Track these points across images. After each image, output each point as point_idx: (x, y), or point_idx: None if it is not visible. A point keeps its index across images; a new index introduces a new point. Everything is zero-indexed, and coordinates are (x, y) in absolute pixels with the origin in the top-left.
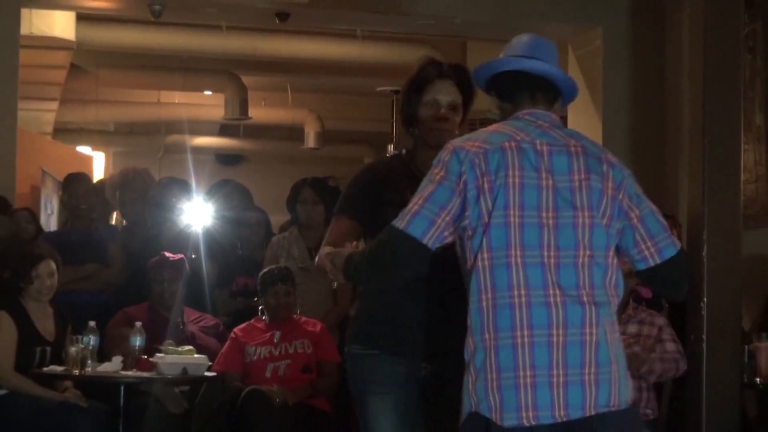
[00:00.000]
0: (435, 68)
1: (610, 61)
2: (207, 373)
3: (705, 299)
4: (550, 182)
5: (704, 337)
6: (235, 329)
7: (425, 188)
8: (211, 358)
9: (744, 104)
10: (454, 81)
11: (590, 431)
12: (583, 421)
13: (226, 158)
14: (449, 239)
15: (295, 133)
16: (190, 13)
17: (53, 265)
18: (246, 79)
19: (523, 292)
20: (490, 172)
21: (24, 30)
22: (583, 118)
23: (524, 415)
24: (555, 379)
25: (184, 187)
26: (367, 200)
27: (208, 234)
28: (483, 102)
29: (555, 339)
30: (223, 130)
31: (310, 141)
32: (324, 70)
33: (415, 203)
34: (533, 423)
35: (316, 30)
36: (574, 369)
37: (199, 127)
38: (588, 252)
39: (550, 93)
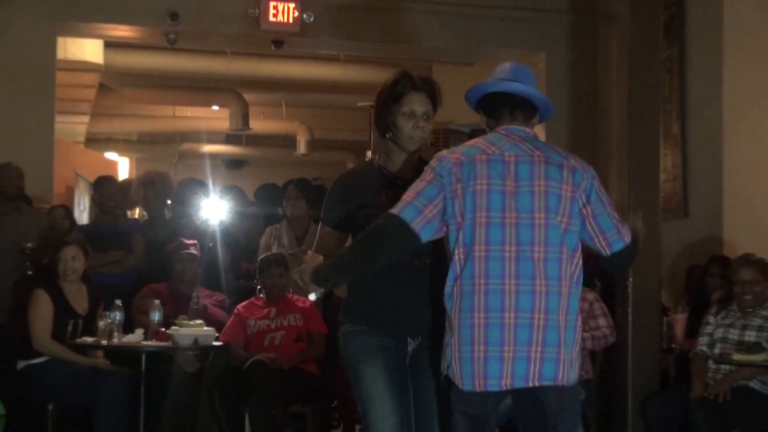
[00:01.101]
0: (409, 81)
1: (552, 80)
2: (214, 343)
3: (630, 279)
4: (514, 188)
5: (630, 310)
6: (238, 306)
7: (417, 185)
8: (219, 327)
9: (663, 116)
10: (426, 93)
11: (533, 399)
12: (526, 390)
13: (232, 163)
14: (440, 233)
15: (288, 141)
16: (200, 41)
17: (75, 251)
18: (247, 96)
19: (482, 281)
20: (463, 180)
21: (60, 55)
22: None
23: (477, 382)
24: (506, 354)
25: (202, 186)
26: (343, 208)
27: (223, 226)
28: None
29: (507, 321)
30: (229, 139)
31: (302, 148)
32: (313, 89)
33: (408, 195)
34: (483, 389)
35: (305, 55)
36: (522, 347)
37: (208, 137)
38: (543, 248)
39: (527, 110)
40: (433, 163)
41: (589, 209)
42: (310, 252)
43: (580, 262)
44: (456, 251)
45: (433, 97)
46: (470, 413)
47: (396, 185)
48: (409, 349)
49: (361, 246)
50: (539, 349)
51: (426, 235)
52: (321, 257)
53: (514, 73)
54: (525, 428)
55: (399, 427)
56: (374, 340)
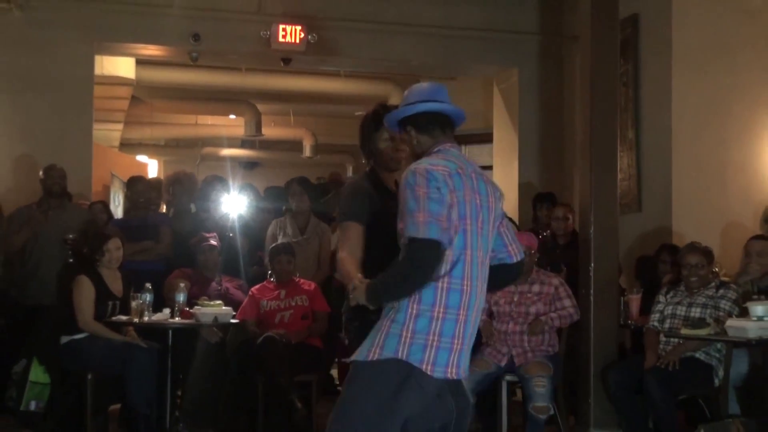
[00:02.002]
0: (386, 110)
1: (524, 93)
2: (232, 320)
3: (592, 264)
4: (479, 201)
5: (591, 292)
6: (252, 288)
7: (423, 204)
8: (237, 307)
9: (620, 123)
10: None
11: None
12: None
13: (247, 164)
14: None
15: (295, 145)
16: (219, 59)
17: (119, 242)
18: (260, 106)
19: (468, 282)
20: (456, 190)
21: (97, 71)
22: (505, 134)
23: (427, 367)
24: (455, 347)
25: (223, 183)
26: (366, 209)
27: (242, 219)
28: None
29: (460, 317)
30: (244, 143)
31: (307, 151)
32: (316, 100)
33: (420, 216)
34: (431, 375)
35: (310, 71)
36: (469, 341)
37: (226, 142)
38: (486, 254)
39: (450, 125)
40: (420, 179)
41: (504, 221)
42: (359, 275)
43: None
44: (447, 252)
45: None
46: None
47: (394, 197)
48: None
49: (409, 271)
50: (469, 342)
51: (447, 245)
52: (365, 279)
53: (435, 93)
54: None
55: None
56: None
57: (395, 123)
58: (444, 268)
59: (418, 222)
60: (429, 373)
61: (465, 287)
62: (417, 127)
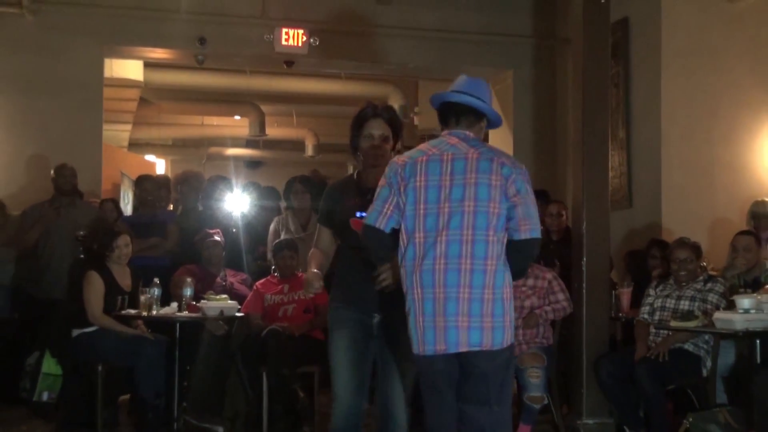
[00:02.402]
0: (371, 109)
1: (518, 94)
2: (237, 314)
3: (584, 258)
4: (449, 182)
5: (584, 285)
6: (257, 283)
7: (377, 191)
8: (242, 301)
9: (611, 123)
10: (384, 118)
11: (467, 362)
12: (459, 354)
13: (251, 163)
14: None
15: (298, 145)
16: (224, 62)
17: (128, 239)
18: (264, 108)
19: (419, 262)
20: (406, 178)
21: (107, 74)
22: (500, 134)
23: (419, 347)
24: (438, 324)
25: (227, 182)
26: (331, 212)
27: (244, 216)
28: (429, 121)
29: (437, 295)
30: (248, 143)
31: (309, 150)
32: (318, 101)
33: (372, 203)
34: (424, 353)
35: (312, 73)
36: (451, 317)
37: (231, 142)
38: (471, 232)
39: (472, 117)
40: (386, 169)
41: (518, 198)
42: (313, 270)
43: (506, 241)
44: (402, 238)
45: (392, 122)
46: (422, 371)
47: (364, 194)
48: (374, 321)
49: (363, 245)
50: (465, 319)
51: (388, 228)
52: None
53: (462, 85)
54: (462, 389)
55: (354, 395)
56: (343, 314)
57: (437, 110)
58: (400, 252)
59: (370, 207)
60: (413, 350)
61: (437, 266)
62: (440, 118)
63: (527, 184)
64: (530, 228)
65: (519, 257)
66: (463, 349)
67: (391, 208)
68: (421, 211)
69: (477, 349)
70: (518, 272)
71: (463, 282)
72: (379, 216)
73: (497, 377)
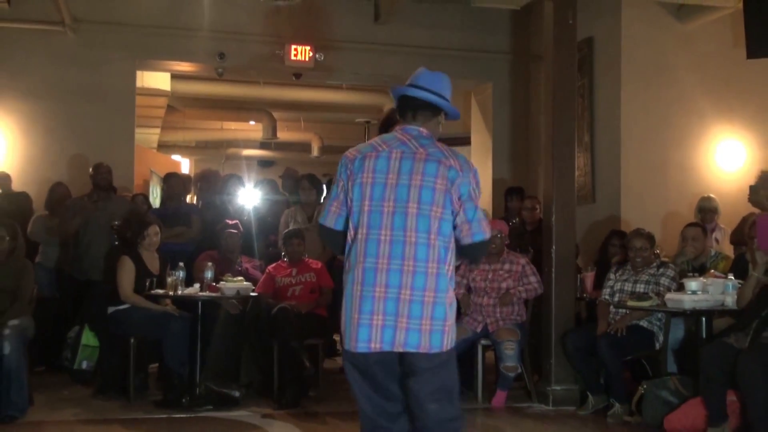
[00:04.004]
0: (395, 114)
1: (497, 103)
2: (251, 294)
3: (554, 246)
4: (395, 181)
5: (553, 269)
6: (269, 267)
7: (330, 190)
8: (256, 283)
9: (577, 128)
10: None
11: (405, 361)
12: (394, 354)
13: (264, 163)
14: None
15: (305, 147)
16: (241, 74)
17: (157, 228)
18: (275, 114)
19: (361, 258)
20: (354, 173)
21: (138, 84)
22: (481, 137)
23: (352, 344)
24: (375, 323)
25: (239, 179)
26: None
27: (256, 209)
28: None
29: (377, 294)
30: (262, 145)
31: (315, 151)
32: (323, 109)
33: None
34: (356, 351)
35: (317, 84)
36: (390, 317)
37: (246, 144)
38: (414, 234)
39: (428, 112)
40: (339, 164)
41: (460, 204)
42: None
43: (453, 246)
44: (348, 233)
45: None
46: (356, 367)
47: None
48: None
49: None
50: (404, 320)
51: (339, 226)
52: None
53: (423, 80)
54: (406, 385)
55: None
56: None
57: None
58: (347, 248)
59: (322, 208)
60: (345, 346)
61: (380, 265)
62: (398, 112)
63: (473, 186)
64: (472, 233)
65: (469, 256)
66: (399, 349)
67: (339, 206)
68: (366, 208)
69: (414, 350)
70: (472, 262)
71: (404, 283)
72: (329, 215)
73: (438, 376)
